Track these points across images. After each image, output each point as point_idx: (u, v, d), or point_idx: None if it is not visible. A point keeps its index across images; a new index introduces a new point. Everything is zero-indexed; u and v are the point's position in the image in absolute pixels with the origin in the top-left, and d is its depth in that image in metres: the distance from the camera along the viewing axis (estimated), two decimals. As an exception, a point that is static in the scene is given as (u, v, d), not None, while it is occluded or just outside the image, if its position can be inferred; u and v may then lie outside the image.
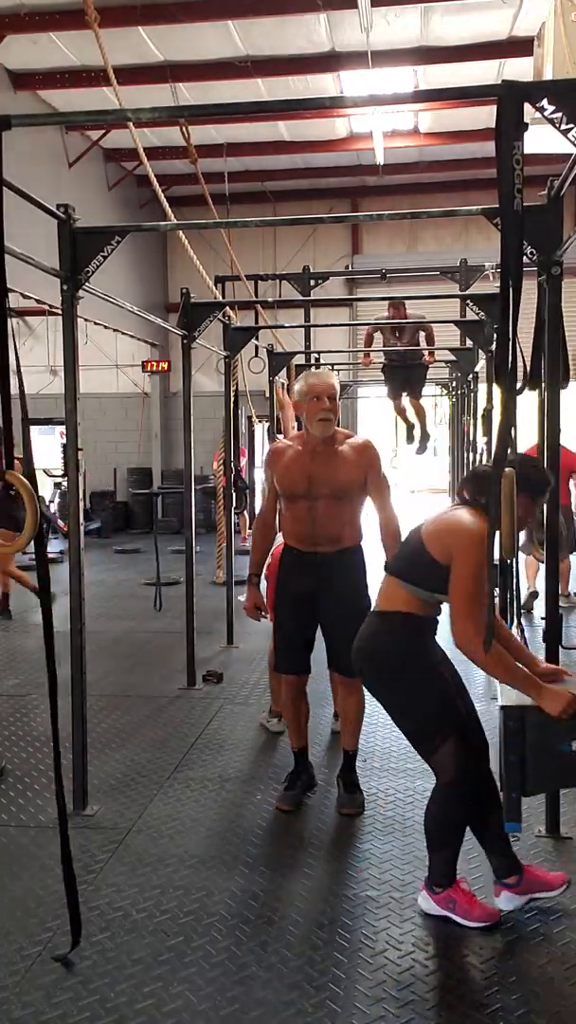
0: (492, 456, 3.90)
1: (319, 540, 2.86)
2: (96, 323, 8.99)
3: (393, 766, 3.34)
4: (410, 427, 7.91)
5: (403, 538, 2.81)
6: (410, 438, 8.00)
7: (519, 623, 3.46)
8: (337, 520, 2.85)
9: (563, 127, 2.15)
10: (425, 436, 7.93)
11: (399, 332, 7.04)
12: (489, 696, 4.27)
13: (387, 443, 8.24)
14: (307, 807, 2.99)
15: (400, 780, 3.20)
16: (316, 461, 2.85)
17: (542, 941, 2.18)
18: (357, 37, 7.75)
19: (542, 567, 7.39)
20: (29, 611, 6.63)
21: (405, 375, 7.44)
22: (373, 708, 4.15)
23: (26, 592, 6.06)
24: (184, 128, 8.09)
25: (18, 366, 2.12)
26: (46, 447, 12.91)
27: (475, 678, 4.72)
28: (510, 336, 2.21)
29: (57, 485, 10.69)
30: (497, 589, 4.40)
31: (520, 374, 2.53)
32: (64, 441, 3.09)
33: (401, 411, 7.83)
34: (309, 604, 2.90)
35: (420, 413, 7.84)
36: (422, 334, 7.34)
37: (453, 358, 7.42)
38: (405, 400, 7.71)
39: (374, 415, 11.24)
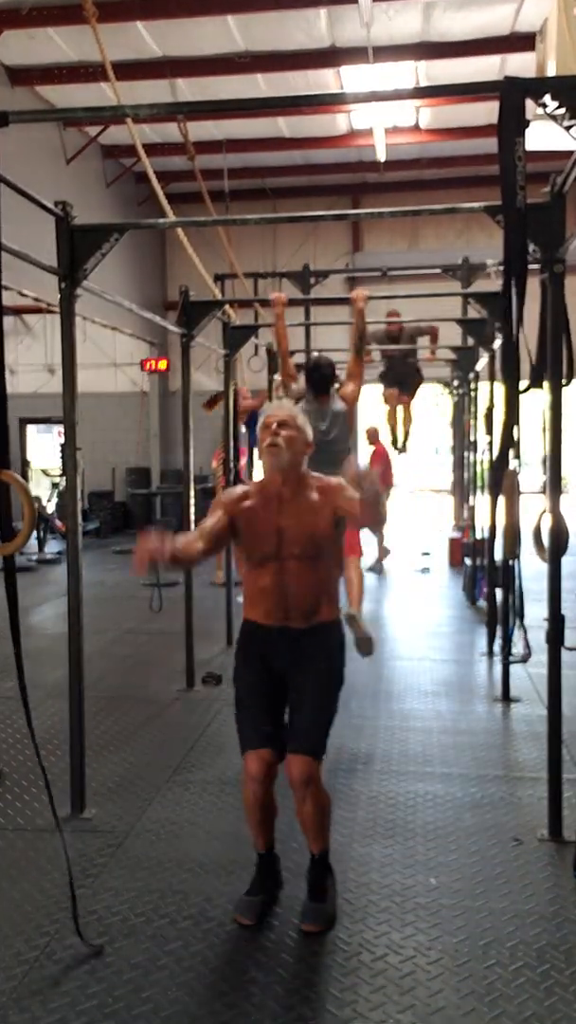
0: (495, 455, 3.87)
1: (291, 613, 2.36)
2: (94, 321, 8.96)
3: (395, 769, 3.32)
4: (394, 432, 8.15)
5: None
6: (395, 443, 8.26)
7: (521, 624, 3.44)
8: (313, 587, 2.36)
9: (566, 123, 2.13)
10: (405, 438, 8.17)
11: (395, 341, 7.24)
12: (491, 697, 4.25)
13: (386, 441, 8.50)
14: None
15: (402, 783, 3.18)
16: (285, 511, 2.34)
17: (544, 946, 2.16)
18: (358, 32, 7.72)
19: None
20: (26, 612, 6.61)
21: (399, 376, 7.67)
22: (375, 711, 4.16)
23: (24, 593, 6.03)
24: (182, 124, 8.06)
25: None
26: (44, 447, 12.91)
27: (476, 678, 4.71)
28: (513, 334, 2.19)
29: (55, 485, 10.67)
30: (499, 590, 4.38)
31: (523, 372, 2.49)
32: (62, 440, 3.07)
33: (392, 415, 8.03)
34: (277, 681, 2.42)
35: (408, 418, 8.06)
36: (425, 337, 7.43)
37: (454, 357, 7.40)
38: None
39: (374, 415, 11.24)
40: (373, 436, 8.83)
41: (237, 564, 2.40)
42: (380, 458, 8.70)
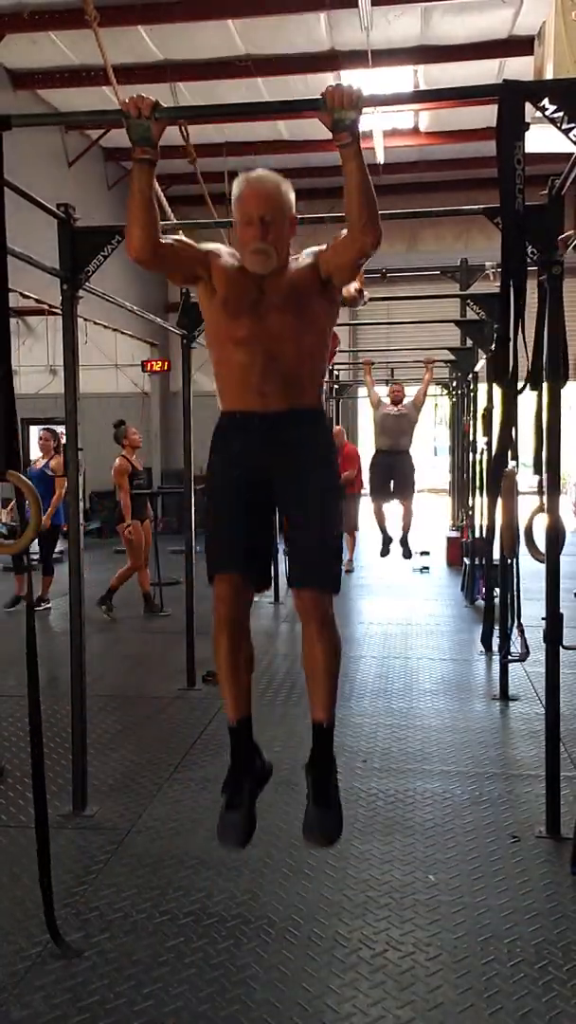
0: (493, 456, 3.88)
1: (269, 386, 2.00)
2: (96, 323, 8.98)
3: (393, 767, 3.34)
4: (385, 531, 7.28)
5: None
6: (386, 546, 7.31)
7: (519, 623, 3.46)
8: (296, 348, 2.01)
9: (564, 126, 2.15)
10: (405, 536, 7.22)
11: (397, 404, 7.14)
12: (489, 695, 4.26)
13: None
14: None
15: (401, 780, 3.20)
16: (267, 280, 2.04)
17: (543, 942, 2.18)
18: (357, 36, 7.75)
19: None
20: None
21: (392, 465, 6.95)
22: (374, 708, 4.18)
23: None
24: (183, 128, 8.08)
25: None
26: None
27: (474, 677, 4.72)
28: (511, 336, 2.21)
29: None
30: (497, 589, 4.40)
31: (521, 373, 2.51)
32: (64, 441, 3.09)
33: (381, 513, 7.21)
34: (259, 492, 2.06)
35: (407, 515, 7.13)
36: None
37: (453, 358, 7.43)
38: (389, 506, 7.16)
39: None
40: (339, 437, 7.96)
41: (208, 344, 2.10)
42: (349, 460, 8.27)
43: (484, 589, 5.39)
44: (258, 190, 2.02)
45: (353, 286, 3.90)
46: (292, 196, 2.06)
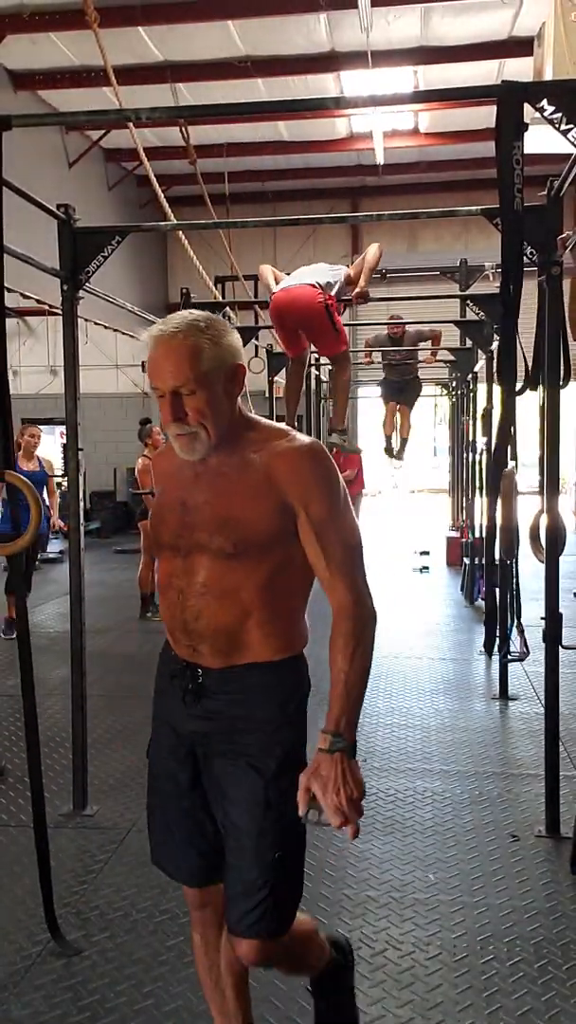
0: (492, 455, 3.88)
1: (197, 639, 1.44)
2: (96, 323, 8.99)
3: (393, 766, 3.34)
4: (388, 440, 8.46)
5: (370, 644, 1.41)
6: (388, 452, 8.53)
7: (519, 624, 3.46)
8: (231, 601, 1.41)
9: (563, 127, 2.15)
10: (402, 447, 8.44)
11: (397, 344, 7.52)
12: (489, 695, 4.27)
13: (369, 447, 8.67)
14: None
15: (400, 780, 3.20)
16: (199, 482, 1.44)
17: (542, 941, 2.18)
18: (357, 37, 7.77)
19: None
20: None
21: (399, 387, 7.95)
22: (374, 708, 4.19)
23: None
24: (184, 128, 8.10)
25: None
26: (46, 447, 12.95)
27: (474, 676, 4.72)
28: (511, 336, 2.22)
29: (57, 485, 10.72)
30: (497, 589, 4.41)
31: (520, 374, 2.52)
32: (64, 441, 3.09)
33: (390, 424, 8.32)
34: (194, 767, 1.50)
35: (405, 426, 8.29)
36: (424, 341, 7.60)
37: (452, 358, 7.44)
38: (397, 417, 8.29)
39: (376, 415, 11.31)
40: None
41: None
42: (352, 462, 8.58)
43: (484, 589, 5.40)
44: (167, 352, 1.35)
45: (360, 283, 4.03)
46: (227, 341, 1.38)
